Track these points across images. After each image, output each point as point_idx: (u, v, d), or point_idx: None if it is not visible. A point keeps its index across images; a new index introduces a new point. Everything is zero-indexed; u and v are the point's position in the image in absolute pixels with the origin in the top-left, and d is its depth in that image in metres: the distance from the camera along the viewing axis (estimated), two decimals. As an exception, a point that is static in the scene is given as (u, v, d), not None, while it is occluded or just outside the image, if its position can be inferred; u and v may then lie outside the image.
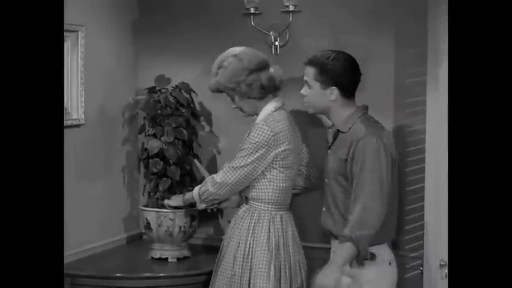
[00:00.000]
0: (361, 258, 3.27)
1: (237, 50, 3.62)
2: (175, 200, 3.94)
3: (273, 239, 3.56)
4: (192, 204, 3.86)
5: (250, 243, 3.57)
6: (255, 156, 3.51)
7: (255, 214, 3.60)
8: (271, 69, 3.62)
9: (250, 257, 3.55)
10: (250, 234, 3.57)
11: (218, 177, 3.60)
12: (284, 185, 3.60)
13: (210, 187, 3.63)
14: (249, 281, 3.53)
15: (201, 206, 3.73)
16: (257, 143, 3.50)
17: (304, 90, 3.42)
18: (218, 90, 3.67)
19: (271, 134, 3.50)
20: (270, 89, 3.61)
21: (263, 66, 3.59)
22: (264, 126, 3.51)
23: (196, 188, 3.71)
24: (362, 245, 3.20)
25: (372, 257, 3.30)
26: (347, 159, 3.30)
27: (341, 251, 3.25)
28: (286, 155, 3.55)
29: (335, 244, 3.42)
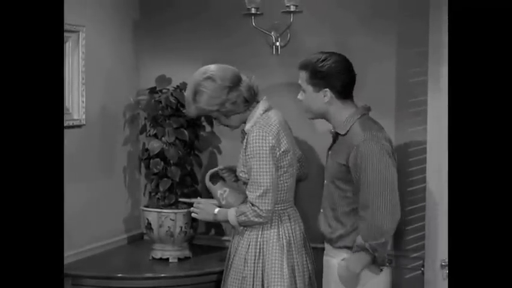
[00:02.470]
0: (379, 264, 3.26)
1: (206, 71, 3.57)
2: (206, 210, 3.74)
3: (283, 237, 3.54)
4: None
5: (260, 244, 3.54)
6: (270, 170, 3.46)
7: None
8: (246, 79, 3.60)
9: (261, 258, 3.53)
10: (260, 235, 3.54)
11: (259, 209, 3.46)
12: (289, 183, 3.59)
13: (252, 218, 3.49)
14: (262, 282, 3.51)
15: (237, 227, 3.60)
16: (265, 158, 3.45)
17: (300, 95, 3.41)
18: (200, 115, 3.73)
19: (271, 138, 3.47)
20: (252, 99, 3.59)
21: (238, 80, 3.56)
22: (261, 135, 3.47)
23: (233, 213, 3.55)
24: (378, 253, 3.21)
25: (390, 262, 3.29)
26: (345, 164, 3.27)
27: (356, 259, 3.25)
28: (287, 154, 3.54)
29: (328, 247, 3.42)
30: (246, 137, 3.57)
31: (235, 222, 3.55)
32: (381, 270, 3.30)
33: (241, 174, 3.57)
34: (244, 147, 3.56)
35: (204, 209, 3.70)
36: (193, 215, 3.74)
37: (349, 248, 3.29)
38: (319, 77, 3.30)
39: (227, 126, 3.70)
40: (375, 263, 3.26)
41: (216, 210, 3.65)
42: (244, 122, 3.62)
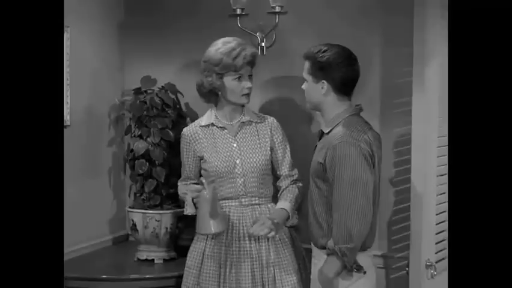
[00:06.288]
0: (348, 270, 3.24)
1: None
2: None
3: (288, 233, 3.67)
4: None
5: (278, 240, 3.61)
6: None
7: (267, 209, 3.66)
8: None
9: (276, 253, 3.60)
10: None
11: (298, 180, 3.70)
12: None
13: (299, 191, 3.70)
14: (274, 274, 3.54)
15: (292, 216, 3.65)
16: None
17: (303, 85, 3.41)
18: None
19: None
20: None
21: None
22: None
23: (287, 204, 3.59)
24: (347, 258, 3.19)
25: (359, 268, 3.26)
26: (322, 163, 3.26)
27: (329, 263, 3.25)
28: None
29: (313, 248, 3.42)
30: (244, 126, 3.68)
31: (293, 210, 3.61)
32: (365, 272, 3.29)
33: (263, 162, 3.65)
34: (260, 134, 3.68)
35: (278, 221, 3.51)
36: (271, 234, 3.40)
37: (325, 248, 3.29)
38: (318, 67, 3.30)
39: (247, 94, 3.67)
40: (345, 269, 3.24)
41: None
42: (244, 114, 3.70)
